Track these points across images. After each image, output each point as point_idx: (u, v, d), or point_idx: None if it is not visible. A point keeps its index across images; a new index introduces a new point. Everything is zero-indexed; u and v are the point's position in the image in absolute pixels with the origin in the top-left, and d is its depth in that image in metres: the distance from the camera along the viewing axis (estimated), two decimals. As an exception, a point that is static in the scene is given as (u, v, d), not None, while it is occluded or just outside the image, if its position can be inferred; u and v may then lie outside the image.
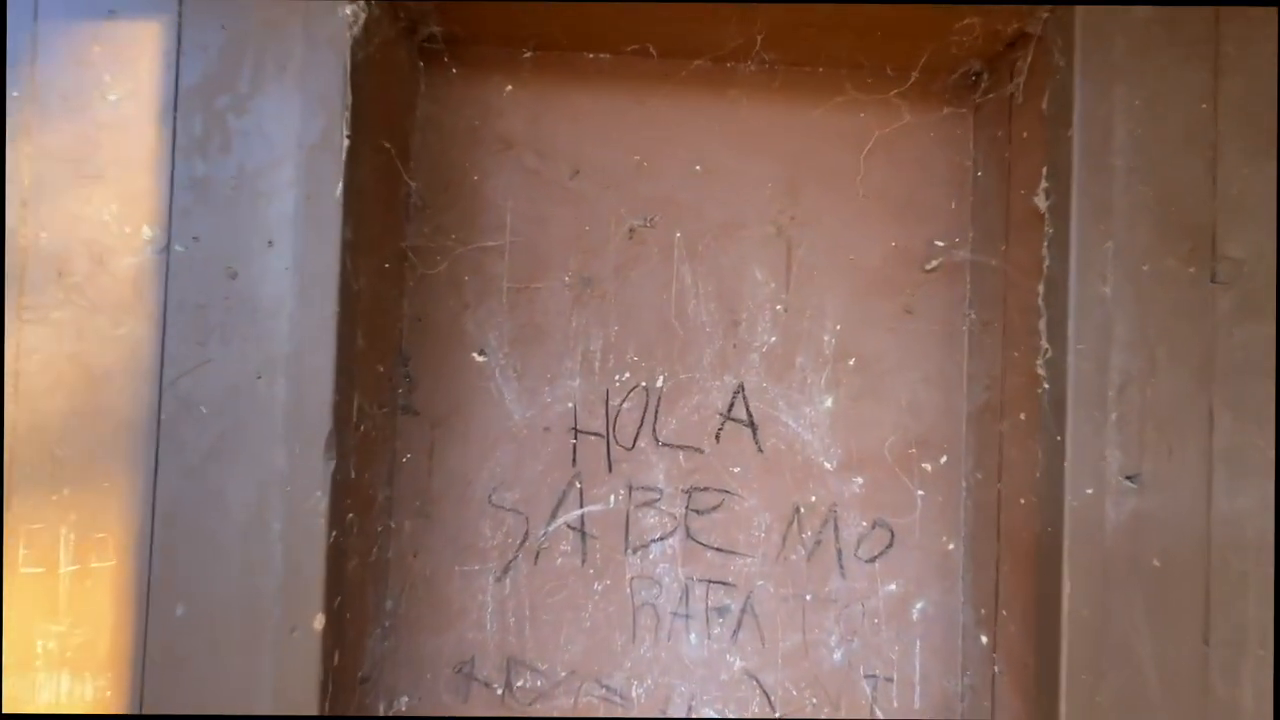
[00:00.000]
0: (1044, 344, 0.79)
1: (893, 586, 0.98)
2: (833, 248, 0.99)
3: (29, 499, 0.71)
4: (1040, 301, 0.80)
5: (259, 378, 0.71)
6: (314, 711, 0.70)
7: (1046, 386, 0.79)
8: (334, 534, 0.71)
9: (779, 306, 0.98)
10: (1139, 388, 0.76)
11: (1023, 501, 0.85)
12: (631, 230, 0.97)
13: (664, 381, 0.97)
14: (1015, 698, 0.85)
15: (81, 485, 0.71)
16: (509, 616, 0.95)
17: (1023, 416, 0.85)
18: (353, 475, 0.75)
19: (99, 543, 0.71)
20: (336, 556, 0.73)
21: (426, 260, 0.93)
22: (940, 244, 0.99)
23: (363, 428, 0.78)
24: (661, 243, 0.97)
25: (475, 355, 0.96)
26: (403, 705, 0.94)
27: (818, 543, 0.98)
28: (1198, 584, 0.77)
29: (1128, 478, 0.77)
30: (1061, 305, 0.77)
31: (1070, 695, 0.76)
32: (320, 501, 0.70)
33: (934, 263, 0.99)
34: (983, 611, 0.93)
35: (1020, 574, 0.85)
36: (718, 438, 0.98)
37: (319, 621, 0.70)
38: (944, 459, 0.99)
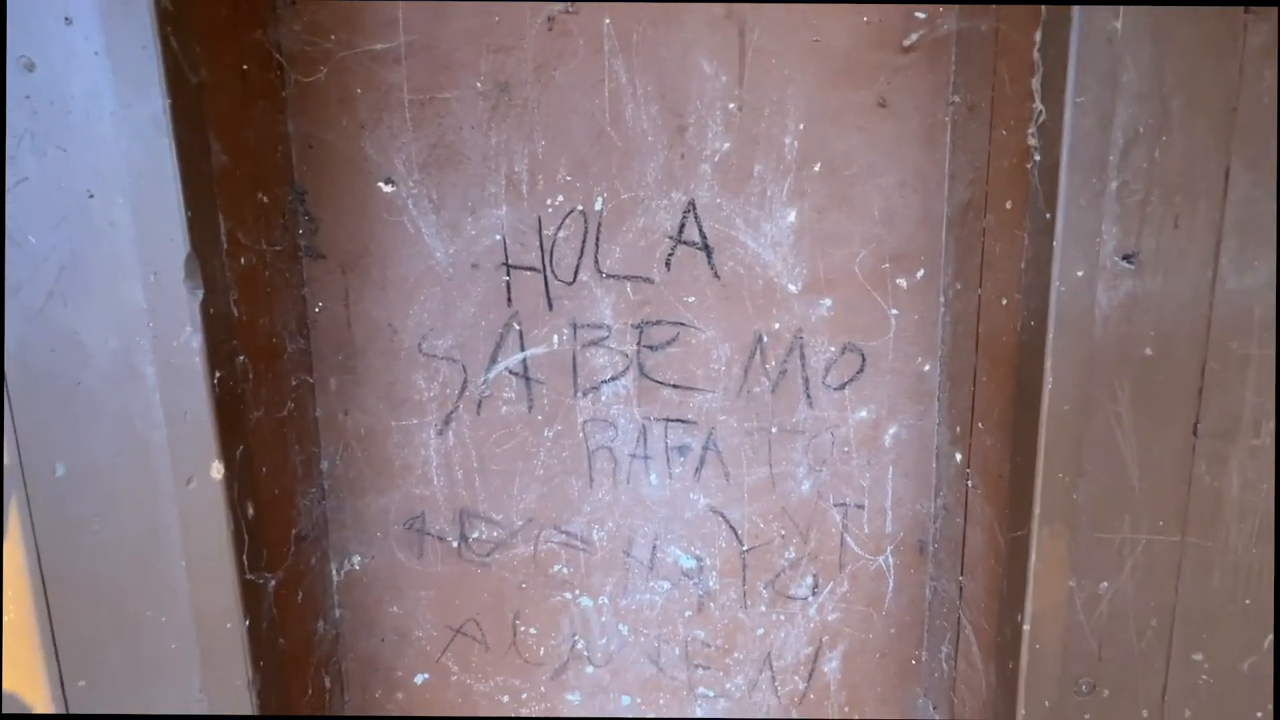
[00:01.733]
0: (1038, 105, 0.66)
1: (864, 413, 0.91)
2: (793, 28, 0.83)
3: None
4: (1036, 54, 0.66)
5: (91, 196, 0.59)
6: (229, 568, 0.65)
7: (1038, 158, 0.68)
8: (218, 375, 0.63)
9: (732, 105, 0.84)
10: (1146, 147, 0.65)
11: (1005, 302, 0.76)
12: (550, 20, 0.81)
13: (603, 203, 0.85)
14: (988, 508, 0.81)
15: (-89, 339, 0.61)
16: (456, 469, 0.89)
17: (1009, 205, 0.75)
18: (236, 313, 0.66)
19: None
20: (230, 402, 0.64)
21: (301, 66, 0.78)
22: (921, 15, 0.83)
23: (244, 260, 0.68)
24: (588, 33, 0.81)
25: (381, 185, 0.83)
26: (355, 564, 0.90)
27: (783, 372, 0.90)
28: (1192, 372, 0.70)
29: (1124, 258, 0.67)
30: (1061, 50, 0.63)
31: (1045, 496, 0.71)
32: (191, 338, 0.60)
33: (913, 38, 0.83)
34: (958, 429, 0.87)
35: (999, 381, 0.78)
36: (668, 264, 0.87)
37: (216, 470, 0.63)
38: (921, 273, 0.89)
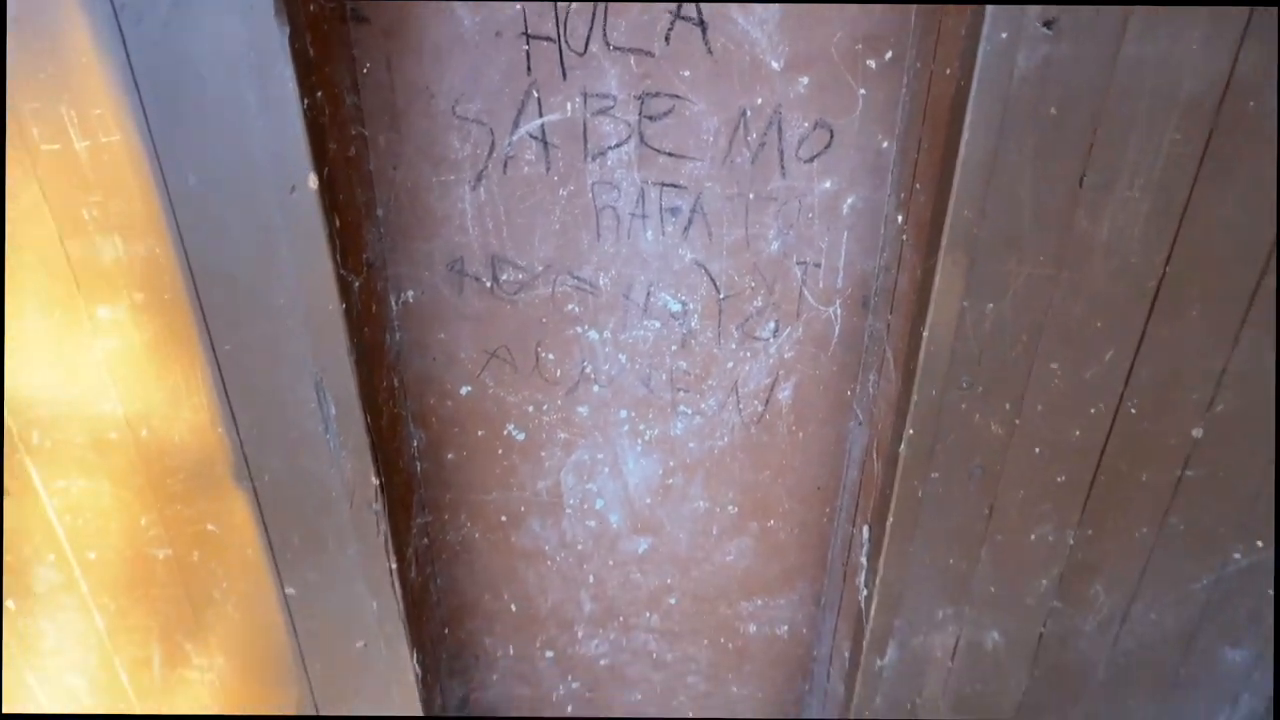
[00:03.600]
0: (992, -126, 0.76)
1: (828, 184, 1.09)
2: None
3: (21, 80, 0.78)
4: None
5: (190, -64, 0.71)
6: (327, 262, 0.86)
7: (986, -72, 0.78)
8: (307, 102, 0.79)
9: (731, -123, 0.91)
10: (1076, -83, 0.75)
11: (948, 72, 0.90)
12: None
13: (612, -24, 0.95)
14: (914, 254, 1.01)
15: (60, 63, 0.76)
16: (487, 221, 1.09)
17: (963, -21, 0.86)
18: (310, 53, 0.80)
19: (99, 119, 0.79)
20: (316, 128, 0.82)
21: None
22: None
23: (312, 8, 0.81)
24: None
25: (414, -49, 0.93)
26: (409, 297, 1.13)
27: (762, 145, 1.06)
28: (1086, 131, 0.87)
29: (1045, 24, 0.81)
30: None
31: (952, 231, 0.91)
32: (285, 68, 0.76)
33: None
34: (902, 195, 1.05)
35: (936, 146, 0.94)
36: (667, 39, 0.99)
37: (312, 181, 0.82)
38: (889, 55, 1.01)
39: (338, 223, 0.88)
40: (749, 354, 1.21)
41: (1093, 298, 0.97)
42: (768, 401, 1.25)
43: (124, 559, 1.08)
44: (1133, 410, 1.05)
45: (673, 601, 1.46)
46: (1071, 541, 1.16)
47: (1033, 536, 1.15)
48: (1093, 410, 1.05)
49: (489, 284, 1.13)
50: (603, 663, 1.53)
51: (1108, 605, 1.23)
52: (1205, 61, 0.82)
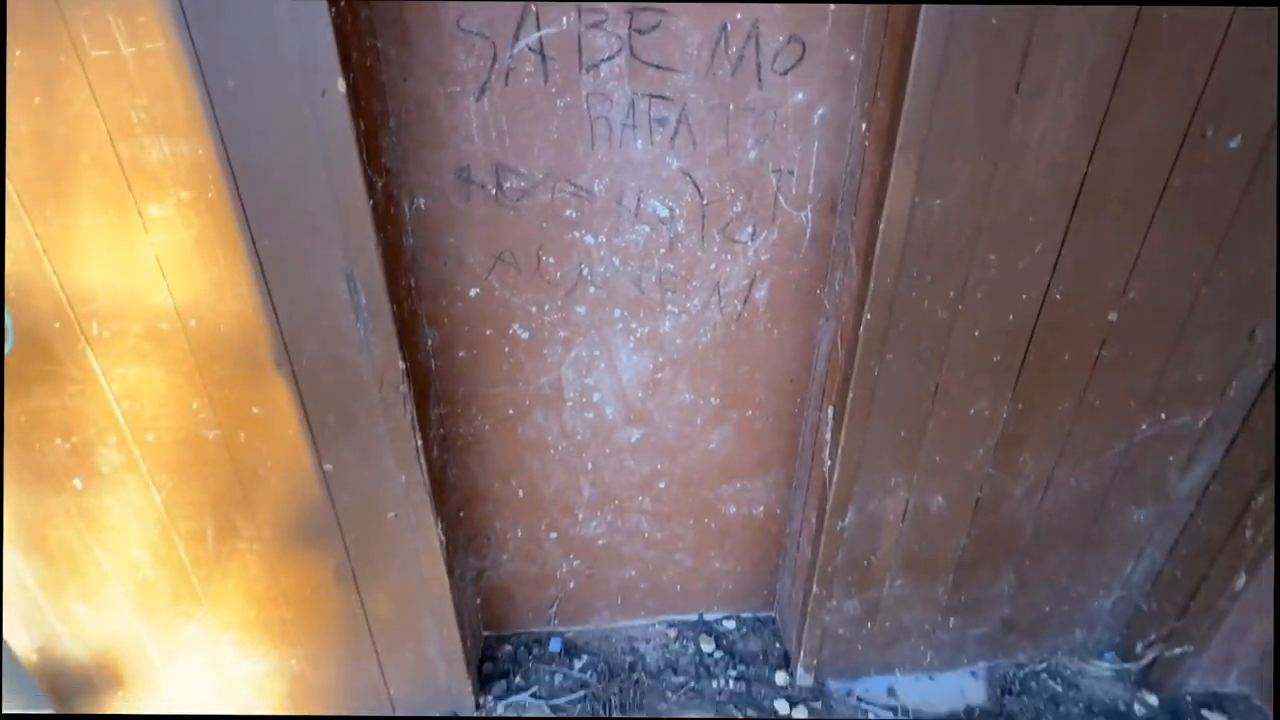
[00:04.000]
0: None
1: (800, 96, 1.20)
2: None
3: (69, -12, 0.85)
4: None
5: None
6: (355, 162, 0.97)
7: None
8: (334, 10, 0.88)
9: None
10: None
11: (907, -14, 1.01)
12: None
13: (603, -108, 1.03)
14: (875, 160, 1.14)
15: (108, -29, 0.84)
16: (491, 131, 1.19)
17: (920, -102, 0.95)
18: (334, -36, 0.88)
19: (144, 26, 0.87)
20: (342, 34, 0.91)
21: None
22: None
23: (328, -81, 0.88)
24: None
25: None
26: (421, 204, 1.24)
27: (741, 58, 1.16)
28: (1022, 41, 0.99)
29: (988, -60, 0.91)
30: None
31: (905, 133, 1.03)
32: (314, -24, 0.85)
33: None
34: (865, 105, 1.17)
35: (895, 59, 1.06)
36: (655, -45, 1.08)
37: (341, 85, 0.92)
38: (856, -29, 1.11)
39: (362, 126, 0.98)
40: (729, 256, 1.35)
41: (1025, 194, 1.11)
42: (746, 300, 1.40)
43: (178, 440, 1.21)
44: (1058, 297, 1.22)
45: (662, 486, 1.65)
46: (1005, 415, 1.34)
47: (972, 411, 1.33)
48: (1024, 297, 1.21)
49: (494, 191, 1.24)
50: (600, 542, 1.72)
51: (1034, 472, 1.43)
52: (1124, -24, 0.94)
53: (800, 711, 1.66)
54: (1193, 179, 1.12)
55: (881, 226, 1.11)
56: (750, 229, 1.32)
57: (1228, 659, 1.59)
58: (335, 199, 1.01)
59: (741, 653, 1.82)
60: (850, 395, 1.29)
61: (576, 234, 1.30)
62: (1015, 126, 1.05)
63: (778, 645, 1.84)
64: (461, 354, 1.41)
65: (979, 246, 1.15)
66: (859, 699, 1.70)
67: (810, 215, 1.31)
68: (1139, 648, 1.69)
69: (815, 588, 1.54)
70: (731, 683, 1.74)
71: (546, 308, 1.37)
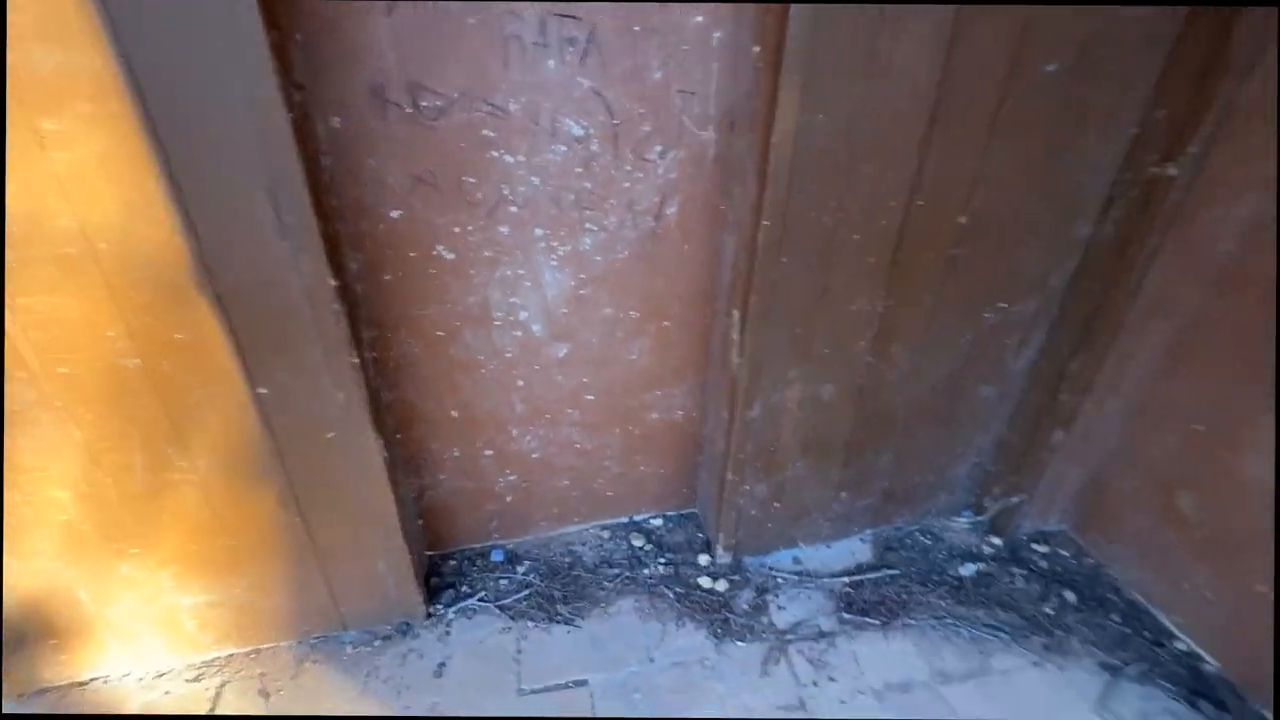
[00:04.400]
0: None
1: (699, 19, 1.29)
2: None
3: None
4: None
5: None
6: (271, 75, 0.98)
7: None
8: (237, -87, 0.87)
9: None
10: None
11: (788, -84, 1.12)
12: None
13: None
14: (766, 81, 1.27)
15: None
16: (403, 48, 1.20)
17: None
18: None
19: (23, -81, 0.83)
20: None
21: None
22: None
23: None
24: None
25: None
26: (335, 124, 1.24)
27: (644, -20, 1.24)
28: (885, -30, 1.13)
29: (855, -125, 1.04)
30: None
31: (790, 55, 1.17)
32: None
33: None
34: (757, 28, 1.29)
35: (781, -17, 1.18)
36: (557, -128, 1.12)
37: (252, -7, 0.91)
38: (745, -100, 1.20)
39: (275, 37, 0.98)
40: (642, 175, 1.45)
41: (893, 113, 1.29)
42: (658, 217, 1.52)
43: (95, 371, 1.19)
44: (920, 204, 1.43)
45: (590, 398, 1.78)
46: (880, 310, 1.57)
47: (853, 308, 1.55)
48: (892, 204, 1.41)
49: (409, 110, 1.26)
50: (535, 456, 1.85)
51: (904, 359, 1.69)
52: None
53: (721, 584, 1.91)
54: (1019, 101, 1.34)
55: (773, 142, 1.26)
56: (659, 148, 1.43)
57: (1050, 503, 1.98)
58: (254, 113, 1.01)
59: (669, 544, 2.04)
60: (752, 299, 1.46)
61: (496, 153, 1.35)
62: (883, 51, 1.21)
63: (700, 535, 2.07)
64: (387, 277, 1.44)
65: (855, 159, 1.33)
66: (770, 569, 1.97)
67: (713, 134, 1.43)
68: (986, 503, 2.06)
69: (730, 475, 1.76)
70: (661, 568, 1.95)
71: (470, 228, 1.43)
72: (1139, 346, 1.65)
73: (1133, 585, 1.84)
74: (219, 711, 1.54)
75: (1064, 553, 2.00)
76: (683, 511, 2.14)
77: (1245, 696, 1.57)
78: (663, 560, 1.97)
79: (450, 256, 1.45)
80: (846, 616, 1.81)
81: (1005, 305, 1.67)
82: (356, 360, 1.30)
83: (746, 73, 1.36)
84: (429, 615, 1.78)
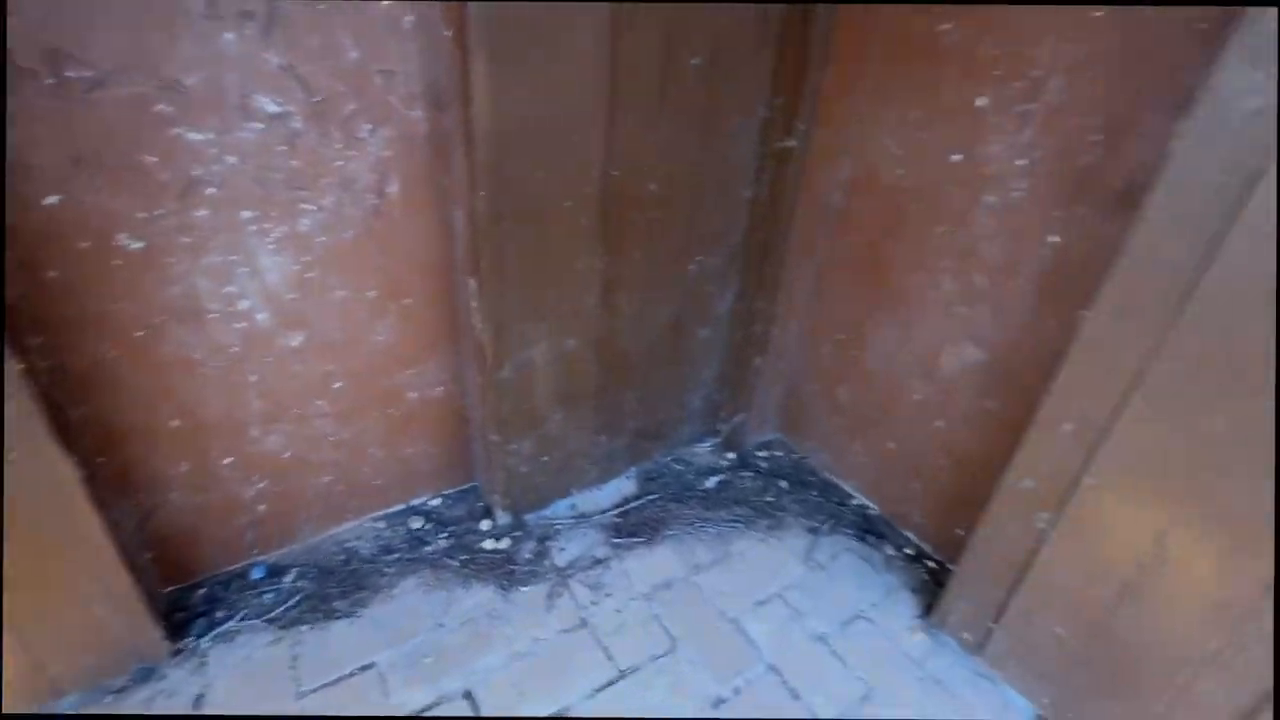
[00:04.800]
0: None
1: (385, 2, 1.37)
2: None
3: None
4: None
5: None
6: None
7: None
8: None
9: None
10: None
11: (451, -87, 1.25)
12: None
13: None
14: (458, 61, 1.40)
15: None
16: (35, 8, 1.08)
17: None
18: None
19: None
20: None
21: None
22: None
23: None
24: None
25: None
26: (-55, 94, 1.06)
27: (321, -41, 1.27)
28: (544, -31, 1.33)
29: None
30: None
31: (475, 37, 1.31)
32: None
33: None
34: (452, 12, 1.41)
35: (456, -27, 1.30)
36: None
37: None
38: (413, -107, 1.31)
39: None
40: (355, 153, 1.48)
41: (580, 89, 1.51)
42: (381, 195, 1.56)
43: None
44: (615, 173, 1.68)
45: (338, 386, 1.75)
46: (600, 267, 1.81)
47: (579, 266, 1.77)
48: (593, 173, 1.64)
49: (51, 81, 1.13)
50: (285, 455, 1.76)
51: (630, 309, 1.97)
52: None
53: (504, 543, 2.02)
54: (678, 87, 1.66)
55: (473, 117, 1.39)
56: (369, 127, 1.47)
57: (763, 417, 2.46)
58: None
59: (449, 519, 2.09)
60: (483, 265, 1.59)
61: (177, 130, 1.27)
62: (560, 38, 1.41)
63: (480, 504, 2.15)
64: (53, 273, 1.27)
65: (554, 133, 1.52)
66: (549, 519, 2.14)
67: (421, 113, 1.52)
68: (719, 427, 2.48)
69: (493, 437, 1.87)
70: (443, 542, 2.00)
71: (158, 213, 1.32)
72: (798, 280, 2.14)
73: (824, 467, 2.38)
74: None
75: (779, 454, 2.50)
76: (462, 488, 2.20)
77: (894, 524, 2.16)
78: (444, 535, 2.02)
79: (137, 245, 1.33)
80: (617, 541, 2.06)
81: (702, 258, 2.04)
82: (21, 366, 1.14)
83: (444, 54, 1.47)
84: (177, 652, 1.60)
